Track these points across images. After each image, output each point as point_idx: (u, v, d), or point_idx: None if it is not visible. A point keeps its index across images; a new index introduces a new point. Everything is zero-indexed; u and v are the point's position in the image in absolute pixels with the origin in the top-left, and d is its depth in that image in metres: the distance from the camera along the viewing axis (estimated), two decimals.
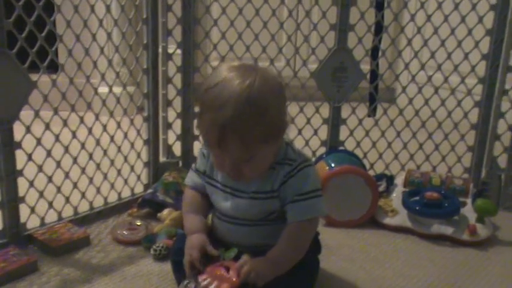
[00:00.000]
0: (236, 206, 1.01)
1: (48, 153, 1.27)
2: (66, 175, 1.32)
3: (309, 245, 1.07)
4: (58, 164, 1.29)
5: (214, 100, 0.89)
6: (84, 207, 1.38)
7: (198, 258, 0.96)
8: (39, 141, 1.24)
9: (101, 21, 1.33)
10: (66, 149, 1.30)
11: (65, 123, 1.29)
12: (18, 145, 1.20)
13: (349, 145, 1.61)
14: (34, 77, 1.19)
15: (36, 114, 1.22)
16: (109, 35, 1.36)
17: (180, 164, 1.60)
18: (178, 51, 1.52)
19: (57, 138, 1.28)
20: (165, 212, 1.37)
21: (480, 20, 1.47)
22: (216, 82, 0.91)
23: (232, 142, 0.90)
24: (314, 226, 1.02)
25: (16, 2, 1.13)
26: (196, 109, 0.96)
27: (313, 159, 1.58)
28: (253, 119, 0.89)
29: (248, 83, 0.89)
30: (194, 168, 1.10)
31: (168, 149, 1.59)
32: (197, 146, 1.57)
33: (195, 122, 0.98)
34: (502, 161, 1.53)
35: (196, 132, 1.57)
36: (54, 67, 1.26)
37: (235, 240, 1.04)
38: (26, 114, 1.20)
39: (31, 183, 1.25)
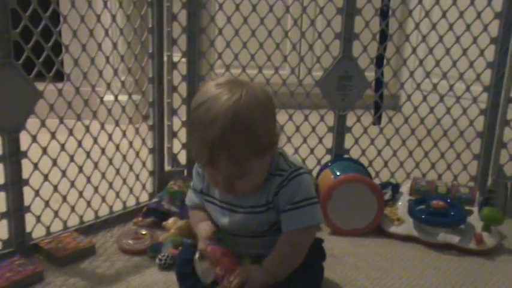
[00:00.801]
0: (234, 221, 1.01)
1: (54, 162, 1.27)
2: (72, 184, 1.32)
3: (313, 252, 1.06)
4: (64, 173, 1.30)
5: (202, 119, 0.90)
6: (89, 216, 1.38)
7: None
8: (45, 150, 1.25)
9: (106, 31, 1.33)
10: (72, 158, 1.31)
11: (71, 132, 1.29)
12: (24, 154, 1.20)
13: (354, 153, 1.61)
14: (40, 86, 1.20)
15: (42, 123, 1.23)
16: (115, 45, 1.37)
17: (185, 172, 1.60)
18: (184, 60, 1.52)
19: (62, 147, 1.28)
20: (171, 221, 1.37)
21: (485, 28, 1.47)
22: (202, 100, 0.91)
23: (223, 160, 0.90)
24: (309, 234, 1.01)
25: (23, 12, 1.13)
26: (187, 128, 0.96)
27: (318, 167, 1.58)
28: (242, 135, 0.89)
29: (235, 98, 0.89)
30: (192, 188, 1.10)
31: (173, 157, 1.59)
32: None
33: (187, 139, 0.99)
34: (509, 169, 1.52)
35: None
36: (60, 76, 1.26)
37: (239, 251, 1.04)
38: (32, 123, 1.20)
39: (37, 192, 1.25)
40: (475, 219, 1.37)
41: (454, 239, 1.33)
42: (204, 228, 1.05)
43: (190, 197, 1.10)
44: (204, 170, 0.99)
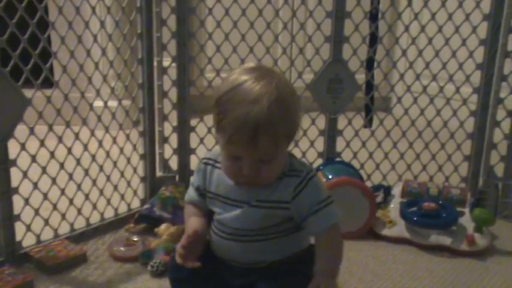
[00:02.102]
0: (238, 216, 1.00)
1: (44, 170, 1.26)
2: (62, 192, 1.31)
3: (307, 258, 1.06)
4: (53, 180, 1.29)
5: (244, 96, 0.90)
6: (80, 224, 1.37)
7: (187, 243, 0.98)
8: (34, 158, 1.24)
9: (95, 37, 1.33)
10: (62, 166, 1.30)
11: (60, 139, 1.28)
12: (13, 162, 1.19)
13: (346, 156, 1.61)
14: (28, 93, 1.19)
15: (31, 131, 1.22)
16: (103, 51, 1.36)
17: (177, 178, 1.59)
18: (174, 65, 1.52)
19: (52, 154, 1.27)
20: (163, 227, 1.36)
21: (474, 29, 1.47)
22: (241, 81, 0.92)
23: (265, 137, 0.90)
24: (339, 228, 1.02)
25: (9, 19, 1.13)
26: (215, 112, 0.93)
27: None
28: (283, 114, 0.91)
29: (275, 83, 0.92)
30: (191, 185, 1.09)
31: (165, 163, 1.58)
32: (194, 160, 1.57)
33: (215, 127, 0.95)
34: (499, 170, 1.53)
35: (193, 145, 1.57)
36: (48, 83, 1.25)
37: (234, 257, 1.04)
38: (20, 130, 1.19)
39: (26, 201, 1.24)
40: (466, 221, 1.37)
41: (446, 240, 1.33)
42: (191, 223, 1.04)
43: (189, 193, 1.09)
44: (231, 154, 0.95)
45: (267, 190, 0.98)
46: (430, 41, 1.51)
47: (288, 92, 0.94)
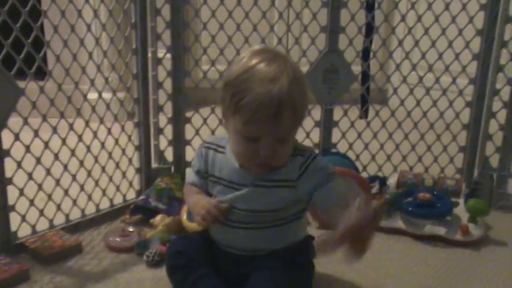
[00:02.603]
0: (242, 195, 1.01)
1: (38, 161, 1.26)
2: (57, 182, 1.31)
3: (304, 250, 1.07)
4: (48, 171, 1.28)
5: (264, 75, 0.92)
6: (76, 215, 1.37)
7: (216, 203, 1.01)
8: (28, 149, 1.23)
9: (88, 26, 1.32)
10: (56, 156, 1.29)
11: (55, 130, 1.28)
12: (7, 153, 1.18)
13: (342, 147, 1.61)
14: (22, 84, 1.18)
15: (25, 122, 1.21)
16: (97, 40, 1.35)
17: (172, 169, 1.59)
18: (168, 55, 1.51)
19: (46, 145, 1.27)
20: (158, 218, 1.36)
21: (471, 20, 1.47)
22: (254, 62, 0.94)
23: (287, 113, 0.92)
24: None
25: (1, 8, 1.12)
26: (228, 94, 0.94)
27: None
28: (300, 91, 0.95)
29: (289, 63, 0.95)
30: (193, 170, 1.11)
31: (160, 154, 1.58)
32: (189, 151, 1.57)
33: (227, 111, 0.97)
34: (494, 161, 1.53)
35: (188, 137, 1.56)
36: (41, 73, 1.24)
37: (233, 244, 1.04)
38: (14, 121, 1.19)
39: (21, 191, 1.23)
40: (461, 211, 1.37)
41: (441, 230, 1.34)
42: (200, 197, 1.06)
43: (190, 176, 1.11)
44: (245, 138, 0.95)
45: (272, 170, 1.00)
46: (426, 31, 1.51)
47: (300, 72, 0.98)
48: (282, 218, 1.03)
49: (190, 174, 1.12)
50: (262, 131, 0.94)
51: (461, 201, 1.41)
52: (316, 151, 1.60)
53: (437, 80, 1.54)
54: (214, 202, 1.02)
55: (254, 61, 0.94)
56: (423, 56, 1.53)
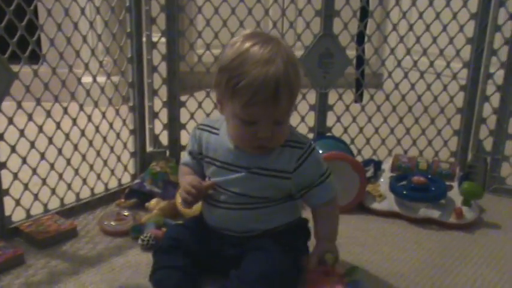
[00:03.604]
0: (236, 179, 1.02)
1: (32, 145, 1.25)
2: (51, 167, 1.31)
3: (299, 233, 1.08)
4: (42, 155, 1.28)
5: (260, 57, 0.92)
6: (70, 199, 1.37)
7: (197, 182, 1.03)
8: (22, 133, 1.23)
9: (82, 10, 1.31)
10: (50, 140, 1.29)
11: (49, 114, 1.27)
12: (1, 137, 1.18)
13: (337, 131, 1.61)
14: (15, 67, 1.17)
15: (19, 106, 1.20)
16: (91, 24, 1.34)
17: (168, 153, 1.59)
18: (163, 39, 1.50)
19: (40, 129, 1.26)
20: (153, 201, 1.36)
21: (465, 3, 1.47)
22: (248, 45, 0.94)
23: (285, 95, 0.93)
24: (337, 201, 1.09)
25: None
26: (224, 79, 0.95)
27: None
28: (295, 72, 0.95)
29: (282, 45, 0.96)
30: (187, 151, 1.12)
31: (155, 138, 1.57)
32: (184, 135, 1.56)
33: (223, 96, 0.98)
34: (488, 144, 1.54)
35: (183, 120, 1.56)
36: (35, 57, 1.24)
37: (226, 226, 1.04)
38: (8, 105, 1.18)
39: (15, 176, 1.23)
40: (455, 194, 1.38)
41: (435, 213, 1.35)
42: (188, 177, 1.07)
43: (186, 158, 1.13)
44: (243, 121, 0.96)
45: (268, 158, 1.01)
46: (421, 15, 1.50)
47: (293, 53, 0.98)
48: (274, 200, 1.05)
49: (186, 155, 1.13)
50: (261, 113, 0.94)
51: (455, 184, 1.41)
52: (311, 136, 1.60)
53: (431, 64, 1.54)
54: (193, 181, 1.03)
55: (247, 44, 0.94)
56: (417, 40, 1.53)
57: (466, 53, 1.50)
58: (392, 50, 1.56)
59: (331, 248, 1.04)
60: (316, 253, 1.03)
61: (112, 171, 1.45)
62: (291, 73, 0.93)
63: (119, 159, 1.47)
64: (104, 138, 1.42)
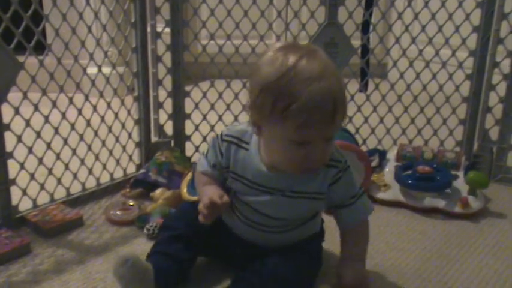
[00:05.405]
0: (268, 202, 0.96)
1: (38, 135, 1.26)
2: (57, 156, 1.31)
3: (317, 234, 1.07)
4: (48, 145, 1.29)
5: (308, 73, 0.83)
6: (76, 189, 1.37)
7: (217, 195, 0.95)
8: (28, 123, 1.23)
9: (87, 0, 1.31)
10: (56, 130, 1.29)
11: (54, 104, 1.27)
12: (7, 127, 1.18)
13: None
14: (21, 58, 1.18)
15: (25, 96, 1.21)
16: (96, 14, 1.34)
17: (172, 143, 1.59)
18: (167, 29, 1.50)
19: (46, 119, 1.27)
20: (158, 191, 1.37)
21: None
22: (292, 61, 0.84)
23: (341, 110, 0.86)
24: (368, 224, 1.04)
25: None
26: (270, 100, 0.84)
27: None
28: (343, 86, 0.89)
29: (325, 55, 0.88)
30: (205, 158, 1.04)
31: (160, 128, 1.58)
32: (189, 125, 1.57)
33: (271, 118, 0.86)
34: (494, 134, 1.53)
35: (188, 110, 1.56)
36: (41, 48, 1.24)
37: (252, 240, 1.02)
38: (14, 95, 1.18)
39: (22, 165, 1.24)
40: (460, 184, 1.38)
41: (440, 203, 1.35)
42: (207, 190, 0.99)
43: (203, 165, 1.03)
44: (294, 143, 0.87)
45: (303, 180, 0.95)
46: (426, 3, 1.49)
47: (332, 62, 0.91)
48: (305, 219, 1.02)
49: (202, 163, 1.04)
50: (316, 133, 0.86)
51: (460, 174, 1.41)
52: None
53: (437, 53, 1.53)
54: (214, 196, 0.95)
55: (292, 59, 0.84)
56: (423, 28, 1.52)
57: (472, 41, 1.49)
58: (397, 39, 1.55)
59: (355, 268, 0.99)
60: (339, 272, 1.00)
61: (117, 161, 1.46)
62: (342, 86, 0.87)
63: (124, 149, 1.47)
64: (109, 128, 1.42)
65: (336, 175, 0.96)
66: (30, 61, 1.19)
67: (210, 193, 0.97)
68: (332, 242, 1.11)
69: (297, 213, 1.00)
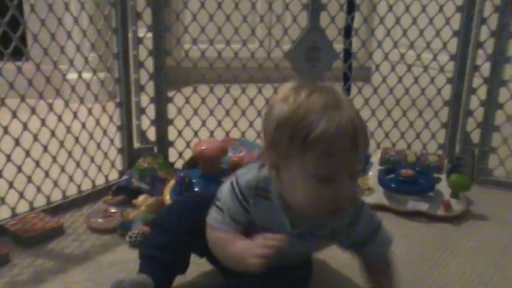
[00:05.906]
0: (292, 246, 0.88)
1: (17, 142, 1.23)
2: (37, 164, 1.29)
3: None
4: (27, 153, 1.26)
5: (324, 103, 0.80)
6: (57, 196, 1.35)
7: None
8: (6, 130, 1.21)
9: (66, 5, 1.29)
10: (35, 138, 1.27)
11: (33, 111, 1.25)
12: None
13: None
14: None
15: (2, 102, 1.19)
16: (76, 19, 1.33)
17: (155, 149, 1.58)
18: (149, 34, 1.48)
19: (25, 126, 1.24)
20: (141, 198, 1.35)
21: None
22: (304, 96, 0.81)
23: (363, 138, 0.81)
24: (391, 254, 0.99)
25: None
26: (287, 136, 0.80)
27: None
28: (360, 116, 0.85)
29: (333, 88, 0.86)
30: (225, 214, 0.92)
31: (142, 134, 1.56)
32: (171, 131, 1.56)
33: (288, 154, 0.82)
34: (475, 137, 1.55)
35: (170, 116, 1.55)
36: (19, 53, 1.22)
37: None
38: None
39: (0, 173, 1.21)
40: (443, 187, 1.39)
41: (423, 206, 1.35)
42: (245, 242, 0.88)
43: (222, 222, 0.91)
44: (317, 180, 0.81)
45: (321, 221, 0.91)
46: (407, 8, 1.51)
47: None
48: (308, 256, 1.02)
49: (220, 218, 0.92)
50: (340, 164, 0.80)
51: (443, 176, 1.42)
52: None
53: (418, 57, 1.54)
54: (272, 239, 0.84)
55: (304, 94, 0.82)
56: (404, 33, 1.53)
57: (453, 45, 1.50)
58: (379, 43, 1.56)
59: None
60: None
61: (99, 168, 1.44)
62: (359, 114, 0.83)
63: (106, 155, 1.45)
64: (91, 135, 1.40)
65: (356, 214, 0.92)
66: (8, 66, 1.17)
67: (254, 242, 0.85)
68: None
69: (308, 251, 1.01)
